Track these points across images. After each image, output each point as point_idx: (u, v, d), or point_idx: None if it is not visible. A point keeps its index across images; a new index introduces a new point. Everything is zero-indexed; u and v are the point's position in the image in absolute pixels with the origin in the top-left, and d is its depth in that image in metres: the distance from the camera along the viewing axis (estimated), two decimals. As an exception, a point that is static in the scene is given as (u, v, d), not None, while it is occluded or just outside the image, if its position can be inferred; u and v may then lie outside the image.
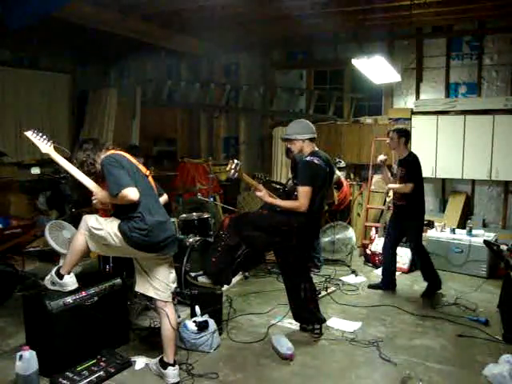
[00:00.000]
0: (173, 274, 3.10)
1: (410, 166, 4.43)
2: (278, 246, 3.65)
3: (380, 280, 4.83)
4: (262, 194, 3.46)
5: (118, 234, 2.80)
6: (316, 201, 3.43)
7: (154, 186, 3.07)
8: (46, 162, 6.47)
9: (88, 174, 2.95)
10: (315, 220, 3.57)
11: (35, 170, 4.43)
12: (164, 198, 3.20)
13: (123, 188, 2.69)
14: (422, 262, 4.64)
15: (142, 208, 2.81)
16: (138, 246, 2.83)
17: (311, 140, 3.56)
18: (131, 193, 2.70)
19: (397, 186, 4.49)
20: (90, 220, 2.92)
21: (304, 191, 3.35)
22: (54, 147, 3.05)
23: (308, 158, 3.48)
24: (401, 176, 4.46)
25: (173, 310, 3.05)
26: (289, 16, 5.42)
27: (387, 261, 4.73)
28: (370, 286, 4.81)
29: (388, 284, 4.74)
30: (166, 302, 3.01)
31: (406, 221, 4.51)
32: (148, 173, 3.06)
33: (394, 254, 4.75)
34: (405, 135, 4.50)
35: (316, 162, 3.45)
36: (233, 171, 3.76)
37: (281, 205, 3.45)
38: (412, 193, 4.38)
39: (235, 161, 3.77)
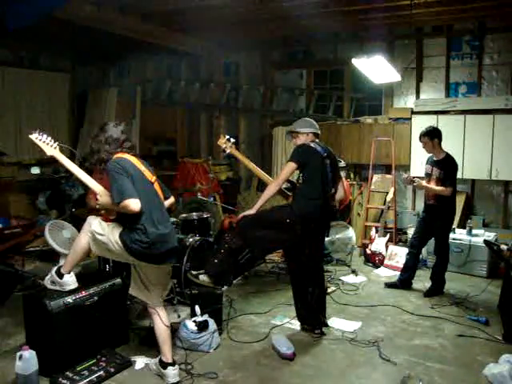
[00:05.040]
0: (169, 282, 3.10)
1: (450, 168, 4.37)
2: (288, 245, 3.62)
3: (397, 279, 4.81)
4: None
5: (119, 242, 2.79)
6: (316, 187, 3.38)
7: (159, 192, 3.01)
8: (45, 161, 6.50)
9: (93, 165, 2.93)
10: (320, 210, 3.41)
11: (35, 170, 4.43)
12: (170, 201, 3.16)
13: (125, 198, 2.65)
14: (440, 262, 4.59)
15: (145, 219, 2.76)
16: (138, 257, 2.82)
17: (315, 135, 3.61)
18: (132, 204, 2.66)
19: (436, 188, 4.36)
20: (94, 223, 2.90)
21: (285, 166, 3.38)
22: (60, 148, 3.04)
23: (304, 143, 3.52)
24: (437, 177, 4.40)
25: (163, 309, 3.05)
26: (289, 16, 5.42)
27: (414, 260, 4.71)
28: (387, 285, 4.79)
29: (407, 283, 4.74)
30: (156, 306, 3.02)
31: (437, 220, 4.47)
32: (154, 179, 2.98)
33: (419, 254, 4.78)
34: (437, 136, 4.41)
35: (312, 145, 3.46)
36: (224, 145, 3.76)
37: (265, 193, 3.43)
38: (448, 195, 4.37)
39: (226, 136, 3.77)
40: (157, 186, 3.01)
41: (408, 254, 4.79)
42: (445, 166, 4.38)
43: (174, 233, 3.03)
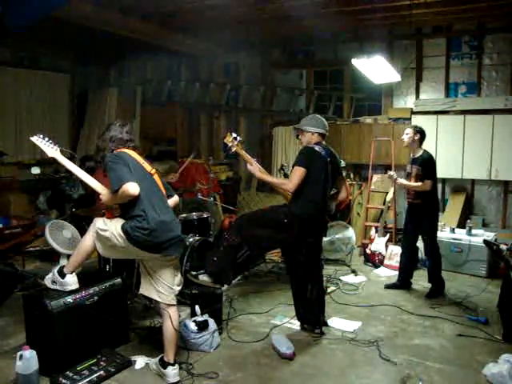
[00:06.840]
0: (178, 277, 3.08)
1: (427, 164, 4.44)
2: (284, 244, 3.62)
3: (396, 279, 4.80)
4: (253, 168, 3.50)
5: (122, 234, 2.80)
6: (316, 190, 3.39)
7: (160, 184, 3.04)
8: (46, 162, 6.50)
9: (98, 162, 2.99)
10: (318, 212, 3.44)
11: (35, 170, 4.44)
12: (174, 200, 3.16)
13: (123, 183, 2.69)
14: (433, 262, 4.58)
15: (145, 206, 2.79)
16: (141, 246, 2.81)
17: (321, 135, 3.58)
18: (131, 187, 2.69)
19: (413, 184, 4.46)
20: (98, 222, 2.93)
21: (295, 171, 3.36)
22: (61, 150, 3.06)
23: (309, 145, 3.52)
24: (416, 174, 4.46)
25: (176, 312, 3.04)
26: (289, 16, 5.42)
27: (407, 259, 4.71)
28: (387, 286, 4.77)
29: (406, 282, 4.73)
30: (169, 304, 3.00)
31: (422, 219, 4.49)
32: (153, 171, 3.02)
33: (414, 253, 4.78)
34: (420, 133, 4.51)
35: (316, 149, 3.46)
36: (230, 144, 3.74)
37: (270, 181, 3.52)
38: (427, 191, 4.40)
39: (233, 134, 3.76)
40: (157, 178, 3.04)
41: (401, 254, 4.81)
42: (422, 163, 4.46)
43: (176, 222, 3.02)
